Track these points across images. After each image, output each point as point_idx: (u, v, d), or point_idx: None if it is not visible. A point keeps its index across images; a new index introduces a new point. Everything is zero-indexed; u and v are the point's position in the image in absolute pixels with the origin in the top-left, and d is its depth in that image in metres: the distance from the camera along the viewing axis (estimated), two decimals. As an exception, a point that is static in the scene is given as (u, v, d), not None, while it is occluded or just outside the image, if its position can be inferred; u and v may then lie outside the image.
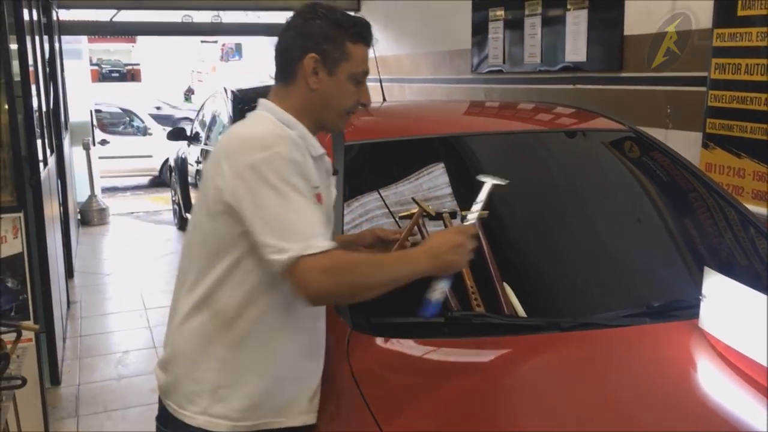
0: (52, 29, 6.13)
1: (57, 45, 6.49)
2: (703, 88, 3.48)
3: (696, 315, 1.77)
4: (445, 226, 2.00)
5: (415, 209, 1.95)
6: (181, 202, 7.52)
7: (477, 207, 1.75)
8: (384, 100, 3.47)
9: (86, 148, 8.00)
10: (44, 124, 4.44)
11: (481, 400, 1.58)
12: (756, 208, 2.89)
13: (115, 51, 28.01)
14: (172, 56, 23.52)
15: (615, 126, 2.73)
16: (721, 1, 3.36)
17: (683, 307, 1.88)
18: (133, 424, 3.53)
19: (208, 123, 6.85)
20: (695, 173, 2.56)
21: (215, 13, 10.42)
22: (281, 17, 8.28)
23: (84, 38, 9.29)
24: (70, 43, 7.85)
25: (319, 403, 1.63)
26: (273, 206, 1.40)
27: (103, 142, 10.47)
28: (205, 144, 6.67)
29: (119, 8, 7.97)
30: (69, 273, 5.75)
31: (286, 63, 1.59)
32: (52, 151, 4.87)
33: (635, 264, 2.18)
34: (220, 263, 1.51)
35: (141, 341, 4.66)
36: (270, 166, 1.42)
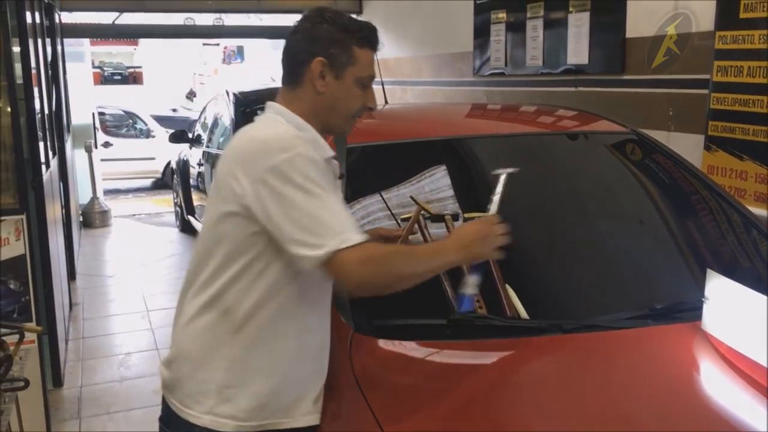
0: (55, 32, 6.14)
1: (59, 48, 6.50)
2: (705, 91, 3.48)
3: (699, 317, 1.77)
4: (447, 228, 2.00)
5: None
6: (182, 204, 7.53)
7: (496, 198, 1.80)
8: (386, 102, 3.48)
9: (88, 150, 8.01)
10: (46, 127, 4.45)
11: (483, 402, 1.58)
12: (758, 210, 2.89)
13: (117, 54, 28.04)
14: (174, 59, 23.54)
15: (617, 128, 2.73)
16: (723, 4, 3.36)
17: (686, 309, 1.88)
18: (136, 426, 3.53)
19: (210, 126, 6.85)
20: (697, 176, 2.56)
21: (217, 15, 10.43)
22: (283, 20, 8.31)
23: (86, 41, 9.31)
24: (72, 45, 7.86)
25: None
26: (302, 206, 1.42)
27: (106, 145, 10.48)
28: (207, 146, 6.68)
29: (121, 11, 7.99)
30: (71, 275, 5.75)
31: (294, 66, 1.61)
32: (54, 154, 4.88)
33: (638, 266, 2.18)
34: (234, 264, 1.52)
35: (143, 343, 4.66)
36: (293, 166, 1.43)
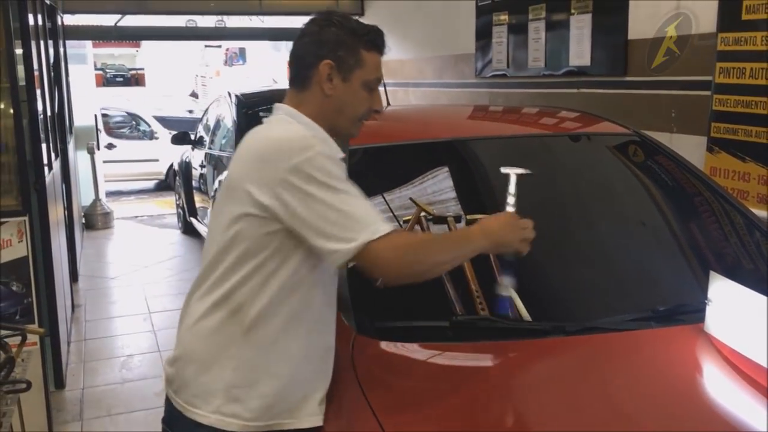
0: (57, 34, 6.15)
1: (62, 50, 6.51)
2: (708, 92, 3.48)
3: (702, 319, 1.77)
4: (450, 229, 2.00)
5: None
6: (185, 205, 7.54)
7: (511, 199, 1.81)
8: (388, 104, 3.48)
9: (91, 152, 8.03)
10: (49, 129, 4.45)
11: (485, 404, 1.58)
12: (761, 212, 2.88)
13: (119, 55, 28.08)
14: (177, 61, 23.56)
15: (620, 130, 2.73)
16: (725, 6, 3.36)
17: (689, 311, 1.87)
18: (138, 428, 3.53)
19: (212, 127, 6.86)
20: (700, 177, 2.56)
21: (219, 17, 10.46)
22: (284, 22, 8.32)
23: (88, 43, 9.32)
24: (74, 47, 7.87)
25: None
26: (329, 201, 1.43)
27: (110, 146, 10.49)
28: (209, 148, 6.68)
29: (123, 13, 8.00)
30: (73, 277, 5.76)
31: (302, 69, 1.62)
32: (56, 156, 4.88)
33: (640, 268, 2.18)
34: (247, 264, 1.52)
35: (145, 345, 4.66)
36: (314, 164, 1.44)
